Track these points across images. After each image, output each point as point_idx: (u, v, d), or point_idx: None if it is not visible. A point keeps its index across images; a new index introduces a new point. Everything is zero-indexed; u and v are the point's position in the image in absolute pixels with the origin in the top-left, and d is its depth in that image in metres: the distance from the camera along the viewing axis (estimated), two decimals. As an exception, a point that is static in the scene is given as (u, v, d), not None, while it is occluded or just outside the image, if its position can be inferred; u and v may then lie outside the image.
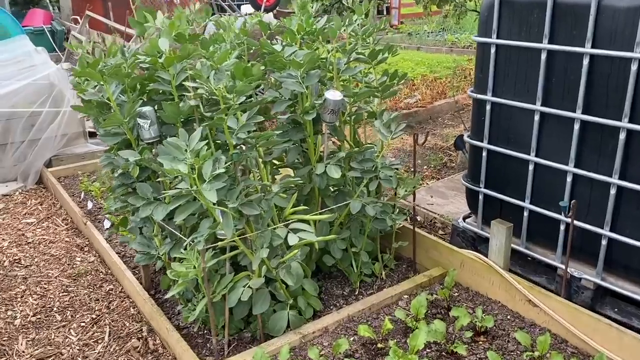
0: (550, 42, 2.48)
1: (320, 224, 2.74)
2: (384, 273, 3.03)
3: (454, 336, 2.47)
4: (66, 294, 3.10)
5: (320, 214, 2.62)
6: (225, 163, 2.22)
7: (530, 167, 2.70)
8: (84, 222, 3.69)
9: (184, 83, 2.34)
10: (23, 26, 10.36)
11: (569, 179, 2.54)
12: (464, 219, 3.23)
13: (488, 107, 2.82)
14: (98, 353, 2.61)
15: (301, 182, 2.37)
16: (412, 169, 3.01)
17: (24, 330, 2.81)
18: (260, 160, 2.49)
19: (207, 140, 2.17)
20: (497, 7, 2.64)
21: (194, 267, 2.25)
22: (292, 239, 2.29)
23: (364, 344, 2.45)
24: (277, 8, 12.62)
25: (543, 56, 2.51)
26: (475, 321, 2.49)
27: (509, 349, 2.40)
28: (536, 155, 2.66)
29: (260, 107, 2.85)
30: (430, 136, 6.03)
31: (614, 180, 2.37)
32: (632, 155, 2.32)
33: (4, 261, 3.46)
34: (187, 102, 2.34)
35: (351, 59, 2.77)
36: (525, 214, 2.78)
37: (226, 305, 2.35)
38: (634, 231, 2.38)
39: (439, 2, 7.38)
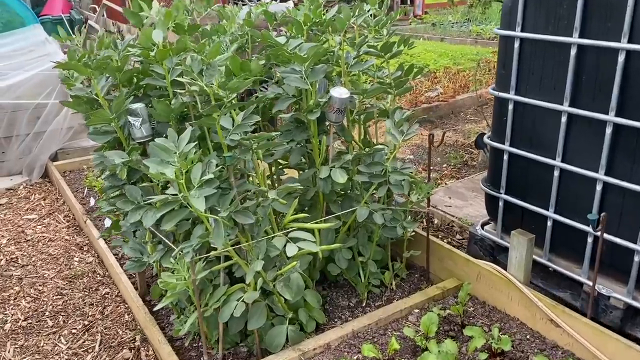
0: (581, 36, 2.23)
1: (324, 231, 2.54)
2: (394, 283, 2.83)
3: (467, 358, 2.26)
4: (60, 297, 2.96)
5: (324, 221, 2.42)
6: (218, 166, 2.04)
7: (556, 173, 2.46)
8: (84, 220, 3.55)
9: (177, 79, 2.15)
10: (42, 15, 10.31)
11: (598, 187, 2.30)
12: (482, 226, 3.00)
13: (510, 107, 2.58)
14: (87, 364, 2.47)
15: (301, 188, 2.17)
16: (428, 172, 2.78)
17: (13, 335, 2.67)
18: (259, 162, 2.29)
19: (196, 142, 1.98)
20: (523, -3, 2.40)
21: (185, 279, 2.08)
22: (291, 250, 2.10)
23: (368, 364, 2.26)
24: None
25: (573, 51, 2.26)
26: (491, 342, 2.27)
27: (527, 375, 2.19)
28: (562, 161, 2.42)
29: (264, 105, 2.67)
30: (452, 132, 5.78)
31: (650, 191, 2.13)
32: (671, 163, 2.07)
33: (1, 260, 3.34)
34: (179, 100, 2.16)
35: (361, 53, 2.56)
36: (549, 223, 2.55)
37: (219, 319, 2.17)
38: (672, 248, 2.14)
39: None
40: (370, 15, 2.68)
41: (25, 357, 2.52)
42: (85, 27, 10.28)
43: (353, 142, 2.60)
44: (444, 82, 7.03)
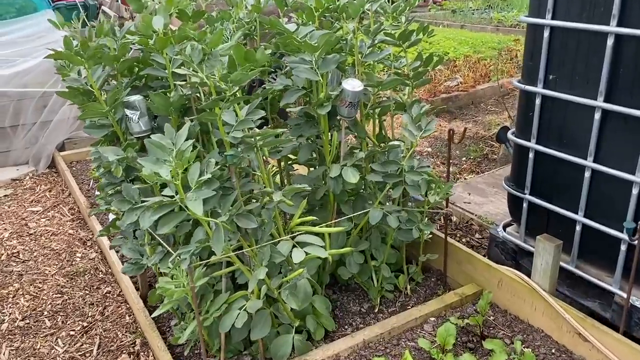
0: (619, 25, 2.02)
1: (335, 234, 2.38)
2: (409, 287, 2.66)
3: (486, 373, 2.10)
4: (60, 295, 2.84)
5: (335, 224, 2.26)
6: (219, 165, 1.89)
7: (587, 174, 2.26)
8: (88, 213, 3.43)
9: (176, 70, 1.99)
10: (57, 1, 10.22)
11: (634, 190, 2.10)
12: (504, 227, 2.81)
13: (538, 101, 2.38)
14: (83, 369, 2.35)
15: (309, 188, 2.00)
16: (447, 171, 2.60)
17: (9, 336, 2.56)
18: (265, 159, 2.14)
19: (193, 139, 1.83)
20: (554, -19, 2.19)
21: (183, 285, 1.94)
22: (298, 255, 1.94)
23: (379, 378, 2.10)
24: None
25: (610, 41, 2.05)
26: (514, 357, 2.10)
27: (552, 394, 2.02)
28: (594, 161, 2.22)
29: (274, 97, 2.50)
30: (471, 123, 5.57)
31: (694, 196, 1.93)
32: None
33: (2, 255, 3.23)
34: (179, 92, 2.01)
35: (377, 41, 2.37)
36: (578, 228, 2.35)
37: (220, 330, 2.03)
38: None
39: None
40: (387, 0, 2.49)
41: (20, 361, 2.41)
42: (98, 13, 10.17)
43: (366, 138, 2.42)
44: (463, 71, 6.79)
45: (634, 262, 2.04)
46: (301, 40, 2.11)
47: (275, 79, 2.43)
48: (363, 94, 2.21)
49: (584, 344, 2.15)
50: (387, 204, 2.39)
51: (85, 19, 2.59)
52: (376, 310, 2.55)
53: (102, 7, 9.05)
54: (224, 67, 1.87)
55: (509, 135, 2.62)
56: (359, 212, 2.30)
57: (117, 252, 3.03)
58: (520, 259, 2.69)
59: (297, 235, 2.04)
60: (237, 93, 1.86)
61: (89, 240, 3.38)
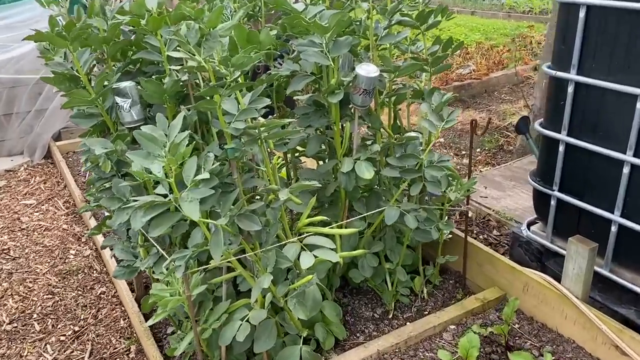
0: (669, 2, 1.80)
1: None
2: (425, 290, 2.46)
3: (514, 390, 1.90)
4: (51, 296, 2.66)
5: (347, 224, 2.06)
6: (219, 160, 1.68)
7: (625, 170, 2.04)
8: (78, 210, 3.24)
9: (171, 54, 1.78)
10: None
11: (681, 189, 1.89)
12: (529, 225, 2.60)
13: (570, 89, 2.16)
14: (73, 379, 2.17)
15: (319, 185, 1.80)
16: (469, 167, 2.39)
17: (-5, 341, 2.38)
18: (268, 152, 1.93)
19: (189, 131, 1.62)
20: (593, -45, 1.97)
21: (179, 293, 1.74)
22: (306, 260, 1.74)
23: (396, 394, 1.91)
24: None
25: (657, 22, 1.83)
26: (544, 372, 1.90)
27: (588, 414, 1.82)
28: (635, 155, 2.01)
29: (279, 83, 2.29)
30: (485, 112, 5.34)
31: None
32: None
33: (-9, 251, 3.06)
34: (173, 78, 1.80)
35: (393, 22, 2.15)
36: (613, 228, 2.14)
37: (220, 343, 1.83)
38: None
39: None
40: (404, -22, 2.27)
41: (5, 369, 2.24)
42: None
43: (382, 129, 2.20)
44: (476, 58, 6.55)
45: (680, 268, 1.84)
46: (310, 21, 1.89)
47: (281, 65, 2.22)
48: (378, 81, 2.00)
49: (622, 358, 1.95)
50: (403, 200, 2.18)
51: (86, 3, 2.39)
52: (390, 315, 2.35)
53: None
54: (224, 50, 1.66)
55: (536, 126, 2.40)
56: (373, 211, 2.09)
57: (111, 249, 2.83)
58: (545, 261, 2.49)
59: (306, 236, 1.84)
60: (239, 79, 1.65)
61: (83, 236, 3.19)
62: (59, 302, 2.62)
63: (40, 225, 3.32)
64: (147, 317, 2.30)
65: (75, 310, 2.57)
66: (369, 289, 2.49)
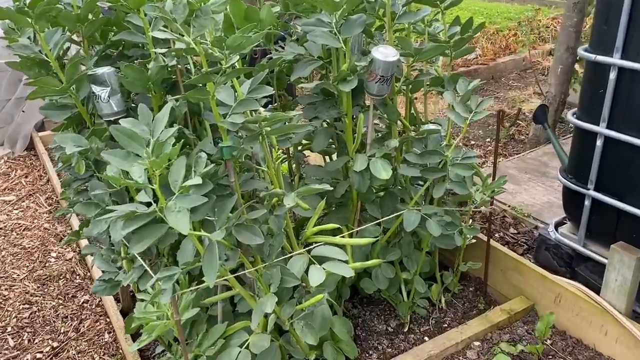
0: None
1: (358, 237, 1.92)
2: (443, 300, 2.21)
3: (553, 421, 1.67)
4: (28, 306, 2.40)
5: (359, 232, 1.80)
6: (213, 161, 1.43)
7: (677, 168, 1.80)
8: (53, 215, 2.97)
9: (155, 34, 1.51)
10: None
11: None
12: (556, 226, 2.36)
13: (612, 75, 1.90)
14: (50, 405, 1.92)
15: (330, 188, 1.54)
16: (494, 161, 2.13)
17: (-36, 359, 2.13)
18: (269, 149, 1.67)
19: (177, 126, 1.36)
20: None
21: (167, 317, 1.49)
22: (316, 276, 1.48)
23: None
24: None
25: None
26: (587, 400, 1.67)
27: None
28: (689, 151, 1.76)
29: (280, 69, 2.03)
30: (493, 100, 5.07)
31: None
32: None
33: (-36, 254, 2.79)
34: (159, 63, 1.53)
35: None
36: (660, 233, 1.90)
37: (214, 370, 1.58)
38: None
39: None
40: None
41: (-27, 393, 1.98)
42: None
43: (399, 121, 1.94)
44: (481, 43, 6.25)
45: None
46: (319, -4, 1.62)
47: (282, 49, 1.96)
48: (397, 66, 1.74)
49: (674, 382, 1.72)
50: (422, 202, 1.93)
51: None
52: (406, 329, 2.11)
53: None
54: (217, 29, 1.39)
55: (569, 117, 2.15)
56: (390, 216, 1.84)
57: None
58: (576, 266, 2.25)
59: (314, 247, 1.58)
60: (236, 64, 1.38)
61: (66, 236, 2.92)
62: (37, 313, 2.36)
63: (19, 224, 3.05)
64: (134, 336, 2.05)
65: (54, 322, 2.31)
66: (381, 298, 2.25)
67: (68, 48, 1.79)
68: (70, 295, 2.47)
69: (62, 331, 2.26)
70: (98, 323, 2.29)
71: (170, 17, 1.35)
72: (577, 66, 3.91)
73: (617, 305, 1.86)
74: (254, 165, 1.60)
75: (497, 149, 2.08)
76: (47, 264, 2.70)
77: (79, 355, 2.13)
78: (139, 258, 1.59)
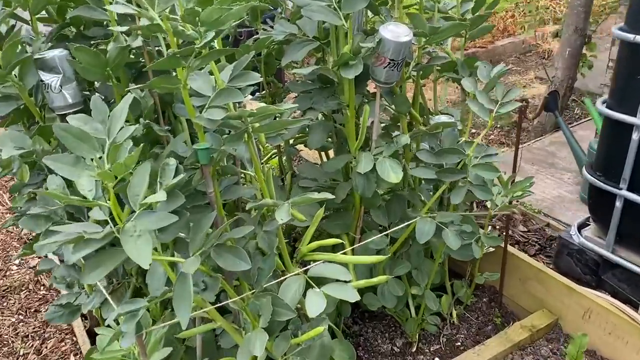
0: None
1: (362, 248, 1.66)
2: (454, 313, 1.96)
3: None
4: (-17, 324, 2.12)
5: (359, 237, 1.53)
6: (186, 167, 1.15)
7: None
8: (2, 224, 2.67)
9: (112, 8, 1.22)
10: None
11: None
12: (579, 228, 2.11)
13: (655, 58, 1.65)
14: None
15: (331, 197, 1.26)
16: (514, 159, 1.86)
17: None
18: (256, 148, 1.39)
19: (143, 121, 1.08)
20: None
21: (134, 357, 1.22)
22: (315, 304, 1.21)
23: None
24: None
25: None
26: None
27: None
28: None
29: (269, 52, 1.74)
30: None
31: None
32: None
33: None
34: (120, 44, 1.24)
35: (422, -31, 1.60)
36: None
37: (193, 418, 1.32)
38: None
39: None
40: None
41: None
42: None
43: (408, 114, 1.66)
44: (479, 25, 5.99)
45: None
46: (315, -37, 1.34)
47: (272, 28, 1.67)
48: (409, 47, 1.46)
49: None
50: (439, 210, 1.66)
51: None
52: (414, 349, 1.86)
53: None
54: (190, 0, 1.10)
55: (599, 106, 1.89)
56: (399, 226, 1.56)
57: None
58: (602, 274, 2.01)
59: (311, 267, 1.31)
60: (214, 43, 1.10)
61: (31, 239, 2.63)
62: (-6, 332, 2.08)
63: (-22, 226, 2.75)
64: (101, 359, 1.78)
65: (13, 342, 2.03)
66: (385, 312, 1.99)
67: (13, 26, 1.49)
68: (32, 310, 2.19)
69: (21, 353, 1.98)
70: (63, 343, 2.02)
71: (129, -15, 1.06)
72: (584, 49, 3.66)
73: (659, 324, 1.62)
74: (237, 170, 1.32)
75: (517, 144, 1.82)
76: (7, 273, 2.41)
77: (40, 382, 1.86)
78: (99, 284, 1.31)
